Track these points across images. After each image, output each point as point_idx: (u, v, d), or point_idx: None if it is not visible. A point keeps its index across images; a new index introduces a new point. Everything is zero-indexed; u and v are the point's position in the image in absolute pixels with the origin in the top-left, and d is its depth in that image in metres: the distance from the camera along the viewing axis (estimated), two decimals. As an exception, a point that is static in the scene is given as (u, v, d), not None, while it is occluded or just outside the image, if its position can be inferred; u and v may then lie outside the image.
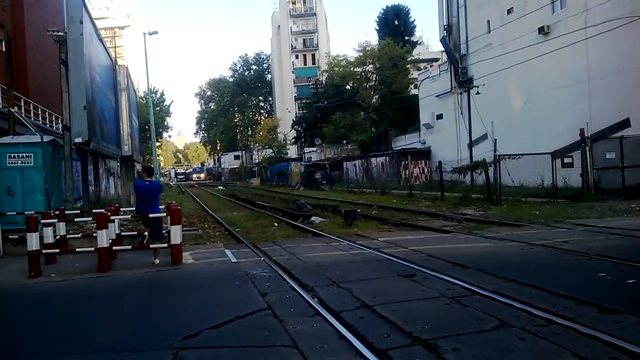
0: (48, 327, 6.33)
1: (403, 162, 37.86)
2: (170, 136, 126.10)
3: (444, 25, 35.69)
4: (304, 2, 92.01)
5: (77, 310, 7.11)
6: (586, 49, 23.47)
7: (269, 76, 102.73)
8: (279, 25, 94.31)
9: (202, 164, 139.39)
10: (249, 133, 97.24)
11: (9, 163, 13.57)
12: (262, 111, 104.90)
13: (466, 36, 33.51)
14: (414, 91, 51.87)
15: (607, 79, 22.72)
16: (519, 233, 12.32)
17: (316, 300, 6.73)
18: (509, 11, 29.23)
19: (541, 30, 26.18)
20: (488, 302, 6.28)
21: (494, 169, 20.45)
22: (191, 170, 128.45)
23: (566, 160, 21.21)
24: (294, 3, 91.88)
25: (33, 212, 11.21)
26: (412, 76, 56.25)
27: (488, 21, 31.20)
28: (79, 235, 12.20)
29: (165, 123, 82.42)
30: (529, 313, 5.70)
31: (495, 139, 22.08)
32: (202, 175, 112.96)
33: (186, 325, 5.84)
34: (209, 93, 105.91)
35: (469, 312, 5.92)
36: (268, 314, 6.17)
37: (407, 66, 57.35)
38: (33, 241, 9.26)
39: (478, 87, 30.86)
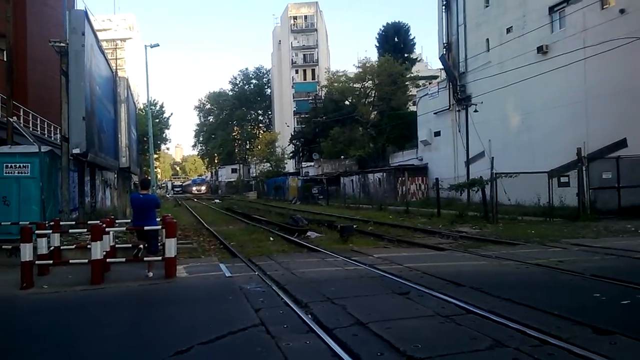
0: (37, 339, 6.26)
1: (400, 179, 37.89)
2: (168, 148, 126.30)
3: (444, 43, 35.98)
4: (305, 18, 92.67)
5: (68, 323, 7.04)
6: (584, 69, 23.66)
7: (269, 90, 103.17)
8: (279, 40, 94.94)
9: (200, 176, 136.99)
10: (247, 147, 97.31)
11: (5, 173, 13.54)
12: (260, 125, 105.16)
13: (465, 54, 33.76)
14: (412, 108, 52.13)
15: (605, 99, 22.86)
16: (515, 252, 12.29)
17: (310, 316, 6.68)
18: (508, 30, 29.48)
19: (540, 49, 26.41)
20: (483, 321, 6.25)
21: (490, 187, 20.48)
22: (190, 182, 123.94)
23: (562, 179, 21.26)
24: (295, 19, 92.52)
25: (28, 222, 11.16)
26: (410, 93, 56.56)
27: (487, 40, 31.45)
28: (73, 247, 12.14)
29: (164, 135, 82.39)
30: (524, 333, 5.67)
31: (492, 157, 22.16)
32: (203, 188, 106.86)
33: (178, 340, 5.78)
34: (208, 106, 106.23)
35: (464, 331, 5.88)
36: (261, 330, 6.12)
37: (406, 83, 57.70)
38: (27, 252, 9.20)
39: (476, 105, 31.01)
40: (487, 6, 31.88)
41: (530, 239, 14.82)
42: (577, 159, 20.45)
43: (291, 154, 75.74)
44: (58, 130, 22.86)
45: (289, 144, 73.98)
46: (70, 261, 10.43)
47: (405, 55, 61.93)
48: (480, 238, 15.50)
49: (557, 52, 25.35)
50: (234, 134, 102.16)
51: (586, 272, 9.12)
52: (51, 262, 10.40)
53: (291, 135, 74.25)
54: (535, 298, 7.24)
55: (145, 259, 10.07)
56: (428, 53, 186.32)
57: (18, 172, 13.75)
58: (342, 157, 57.31)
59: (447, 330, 5.97)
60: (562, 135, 24.65)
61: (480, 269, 10.30)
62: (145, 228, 10.11)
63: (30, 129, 20.93)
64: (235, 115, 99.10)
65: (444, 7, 36.16)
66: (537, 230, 16.79)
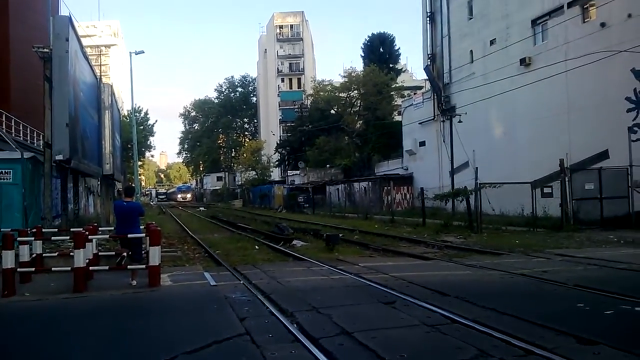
0: (18, 349, 6.16)
1: (385, 188, 38.00)
2: (152, 156, 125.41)
3: (428, 54, 36.28)
4: (291, 27, 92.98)
5: (50, 331, 6.93)
6: (566, 81, 23.99)
7: (255, 98, 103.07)
8: (265, 49, 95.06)
9: (185, 183, 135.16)
10: (233, 154, 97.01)
11: (-14, 179, 13.36)
12: (246, 133, 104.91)
13: (449, 65, 34.07)
14: (397, 118, 52.36)
15: (586, 111, 23.19)
16: (499, 261, 12.38)
17: (295, 326, 6.65)
18: (492, 42, 29.83)
19: (522, 61, 26.75)
20: (467, 330, 6.27)
21: (474, 197, 20.62)
22: (175, 189, 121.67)
23: (546, 190, 21.47)
24: (281, 27, 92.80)
25: (9, 229, 11.00)
26: (395, 103, 56.82)
27: (471, 51, 31.80)
28: (56, 254, 11.97)
29: (148, 142, 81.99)
30: (508, 343, 5.70)
31: (477, 167, 22.32)
32: (188, 196, 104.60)
33: (162, 349, 5.73)
34: (193, 114, 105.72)
35: (449, 340, 5.90)
36: (246, 340, 6.07)
37: (391, 93, 57.99)
38: (8, 259, 9.06)
39: (460, 115, 31.29)
40: (470, 18, 32.26)
41: (514, 248, 14.93)
42: (559, 170, 20.68)
43: (277, 163, 75.63)
44: (41, 136, 22.62)
45: (275, 152, 73.89)
46: (53, 269, 10.29)
47: (391, 65, 62.25)
48: (465, 248, 15.59)
49: (539, 64, 25.69)
50: (219, 141, 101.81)
51: (570, 282, 9.20)
52: (33, 269, 10.26)
53: (277, 143, 74.18)
54: (520, 308, 7.29)
55: (128, 267, 9.96)
56: (413, 64, 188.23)
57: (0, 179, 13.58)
58: (327, 165, 57.36)
59: (432, 340, 5.99)
60: (545, 146, 24.93)
61: (465, 278, 10.36)
62: (129, 236, 10.01)
63: (13, 135, 20.66)
64: (220, 123, 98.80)
65: (428, 19, 36.49)
66: (521, 240, 16.92)
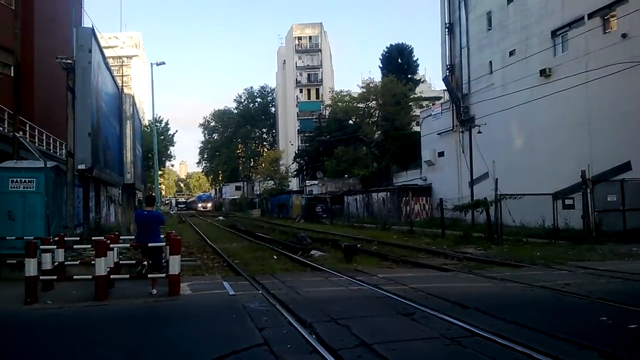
0: (40, 356, 6.23)
1: (404, 198, 37.83)
2: (173, 165, 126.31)
3: (447, 65, 36.16)
4: (310, 39, 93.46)
5: (71, 339, 7.01)
6: (587, 92, 23.73)
7: (273, 109, 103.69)
8: (284, 60, 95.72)
9: (205, 192, 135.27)
10: (251, 164, 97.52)
11: (11, 187, 13.53)
12: (265, 143, 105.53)
13: (468, 76, 33.93)
14: (416, 128, 52.19)
15: (608, 122, 22.90)
16: (520, 274, 12.22)
17: (314, 336, 6.64)
18: (511, 53, 29.68)
19: (542, 72, 26.54)
20: (488, 344, 6.20)
21: (495, 208, 20.40)
22: (195, 198, 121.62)
23: (567, 201, 21.14)
24: (299, 39, 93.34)
25: (32, 237, 11.17)
26: (414, 113, 56.62)
27: (490, 62, 31.64)
28: (77, 263, 12.11)
29: (169, 152, 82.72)
30: (530, 356, 5.62)
31: (497, 178, 22.12)
32: (209, 205, 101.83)
33: (181, 358, 5.76)
34: (213, 124, 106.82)
35: (469, 354, 5.84)
36: (265, 350, 6.08)
37: (410, 103, 57.82)
38: (31, 267, 9.20)
39: (479, 126, 31.09)
40: (489, 29, 32.13)
41: (535, 261, 14.73)
42: (581, 181, 20.40)
43: (295, 172, 75.84)
44: (64, 145, 22.97)
45: (293, 162, 74.15)
46: (75, 277, 10.41)
47: (409, 76, 62.13)
48: (485, 259, 15.44)
49: (559, 75, 25.46)
50: (238, 151, 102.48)
51: (592, 295, 9.05)
52: (55, 277, 10.39)
53: (295, 153, 74.45)
54: (541, 321, 7.19)
55: (149, 276, 10.05)
56: (431, 74, 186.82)
57: (23, 187, 13.77)
58: (346, 176, 57.33)
59: (452, 353, 5.93)
60: (565, 157, 24.65)
61: (485, 290, 10.24)
62: (150, 245, 10.10)
63: (36, 144, 21.01)
64: (239, 133, 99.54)
65: (447, 30, 36.40)
66: (542, 252, 16.71)
